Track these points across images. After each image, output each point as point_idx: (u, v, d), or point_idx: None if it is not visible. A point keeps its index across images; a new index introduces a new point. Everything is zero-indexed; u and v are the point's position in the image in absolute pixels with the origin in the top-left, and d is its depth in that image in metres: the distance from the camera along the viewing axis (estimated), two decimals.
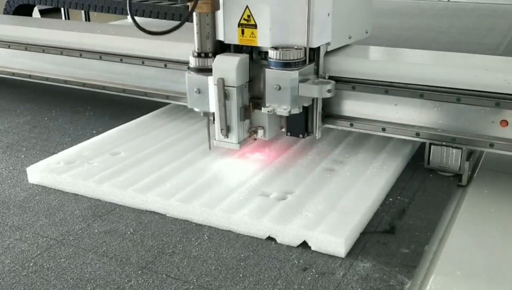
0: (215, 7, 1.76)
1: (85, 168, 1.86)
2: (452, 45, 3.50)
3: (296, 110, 1.75)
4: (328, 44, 1.83)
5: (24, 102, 2.75)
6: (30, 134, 2.32)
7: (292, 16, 1.74)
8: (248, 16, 1.75)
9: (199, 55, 1.80)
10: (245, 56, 1.78)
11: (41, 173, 1.85)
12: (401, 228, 1.55)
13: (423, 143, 1.94)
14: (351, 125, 1.92)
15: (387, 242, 1.49)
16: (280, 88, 1.71)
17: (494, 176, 1.86)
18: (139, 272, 1.38)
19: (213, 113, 1.82)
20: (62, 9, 5.12)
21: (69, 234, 1.56)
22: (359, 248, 1.47)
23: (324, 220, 1.52)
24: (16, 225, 1.61)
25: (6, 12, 3.65)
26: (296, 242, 1.48)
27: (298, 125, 1.89)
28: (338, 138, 2.07)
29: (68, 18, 5.33)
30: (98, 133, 2.23)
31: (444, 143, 1.81)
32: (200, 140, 2.07)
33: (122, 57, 2.37)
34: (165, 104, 2.47)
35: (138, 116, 2.36)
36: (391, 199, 1.71)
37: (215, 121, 1.82)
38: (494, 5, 5.14)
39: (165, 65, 2.26)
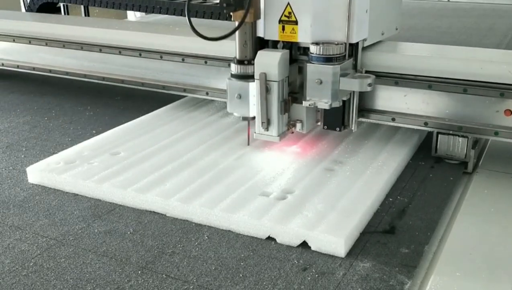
0: (257, 16, 1.84)
1: (85, 168, 1.86)
2: (452, 45, 3.49)
3: (336, 104, 1.80)
4: (364, 40, 1.88)
5: (24, 102, 2.75)
6: (30, 134, 2.32)
7: (332, 12, 1.79)
8: (289, 13, 1.81)
9: (240, 62, 1.88)
10: (286, 52, 1.84)
11: (41, 172, 1.85)
12: (401, 228, 1.55)
13: (423, 143, 1.95)
14: (362, 116, 1.99)
15: (387, 242, 1.49)
16: (321, 82, 1.76)
17: (494, 174, 1.87)
18: (139, 272, 1.38)
19: (252, 117, 1.90)
20: (61, 5, 5.13)
21: (69, 234, 1.56)
22: (359, 248, 1.47)
23: (324, 220, 1.52)
24: (16, 225, 1.61)
25: (29, 10, 3.71)
26: (296, 242, 1.48)
27: (335, 119, 1.95)
28: (338, 138, 2.06)
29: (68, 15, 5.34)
30: (98, 133, 2.22)
31: (451, 132, 1.89)
32: (199, 140, 2.07)
33: (141, 52, 2.44)
34: (165, 104, 2.49)
35: (138, 116, 2.36)
36: (391, 199, 1.71)
37: (255, 115, 1.88)
38: (494, 5, 5.14)
39: (183, 60, 2.34)
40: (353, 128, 1.96)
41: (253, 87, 1.85)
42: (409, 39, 3.73)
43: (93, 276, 1.37)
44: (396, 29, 2.16)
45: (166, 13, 3.10)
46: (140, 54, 2.45)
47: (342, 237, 1.44)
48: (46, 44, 2.72)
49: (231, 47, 1.91)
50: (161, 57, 2.39)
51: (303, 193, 1.68)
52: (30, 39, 2.77)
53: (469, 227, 1.56)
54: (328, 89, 1.77)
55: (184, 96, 2.55)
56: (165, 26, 2.65)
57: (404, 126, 1.97)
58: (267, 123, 1.85)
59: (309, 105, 1.80)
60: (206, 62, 2.27)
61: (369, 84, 1.77)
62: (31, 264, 1.42)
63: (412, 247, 1.46)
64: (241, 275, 1.37)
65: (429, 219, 1.59)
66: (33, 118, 2.52)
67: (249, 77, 1.86)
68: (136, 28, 2.61)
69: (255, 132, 1.91)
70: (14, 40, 2.83)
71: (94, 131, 2.31)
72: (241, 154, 1.95)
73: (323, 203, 1.61)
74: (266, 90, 1.81)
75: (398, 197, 1.72)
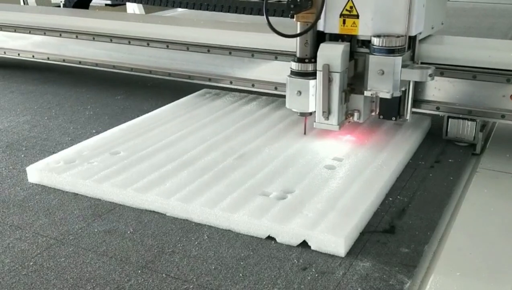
0: (319, 17, 1.91)
1: (85, 167, 1.86)
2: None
3: (397, 94, 1.89)
4: (419, 33, 1.97)
5: (24, 102, 2.75)
6: (30, 134, 2.32)
7: (392, 6, 1.88)
8: (351, 7, 1.90)
9: (300, 60, 1.96)
10: (347, 44, 1.93)
11: (41, 172, 1.85)
12: (401, 228, 1.55)
13: (422, 144, 1.96)
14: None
15: (387, 241, 1.49)
16: (383, 73, 1.84)
17: (494, 174, 1.87)
18: (139, 271, 1.38)
19: (309, 113, 2.00)
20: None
21: (69, 233, 1.56)
22: (359, 247, 1.47)
23: (324, 219, 1.52)
24: (16, 224, 1.61)
25: (65, 6, 3.85)
26: (296, 241, 1.48)
27: (391, 109, 2.02)
28: (338, 137, 2.06)
29: None
30: (98, 133, 2.22)
31: (461, 116, 2.03)
32: (199, 140, 2.07)
33: (168, 44, 2.58)
34: (165, 103, 2.49)
35: (138, 116, 2.36)
36: (391, 199, 1.71)
37: (316, 105, 1.96)
38: (494, 4, 5.14)
39: (208, 50, 2.48)
40: (408, 118, 2.03)
41: (313, 85, 1.94)
42: None
43: (93, 276, 1.37)
44: (442, 23, 2.25)
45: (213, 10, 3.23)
46: (167, 46, 2.55)
47: (342, 236, 1.44)
48: (77, 37, 2.82)
49: (251, 39, 2.01)
50: (187, 48, 2.50)
51: (303, 192, 1.68)
52: (61, 32, 2.87)
53: (469, 227, 1.56)
54: (390, 79, 1.84)
55: (183, 96, 2.57)
56: (191, 20, 2.79)
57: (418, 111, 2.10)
58: (328, 113, 1.93)
59: (371, 95, 1.88)
60: (230, 52, 2.37)
61: (430, 75, 1.85)
62: (31, 263, 1.42)
63: (412, 247, 1.46)
64: (241, 275, 1.37)
65: (429, 218, 1.59)
66: (33, 118, 2.52)
67: (309, 74, 1.94)
68: (163, 22, 2.72)
69: (315, 122, 1.98)
70: (45, 33, 2.92)
71: (94, 131, 2.31)
72: (241, 153, 1.95)
73: (323, 202, 1.61)
74: (328, 81, 1.88)
75: (398, 197, 1.72)
